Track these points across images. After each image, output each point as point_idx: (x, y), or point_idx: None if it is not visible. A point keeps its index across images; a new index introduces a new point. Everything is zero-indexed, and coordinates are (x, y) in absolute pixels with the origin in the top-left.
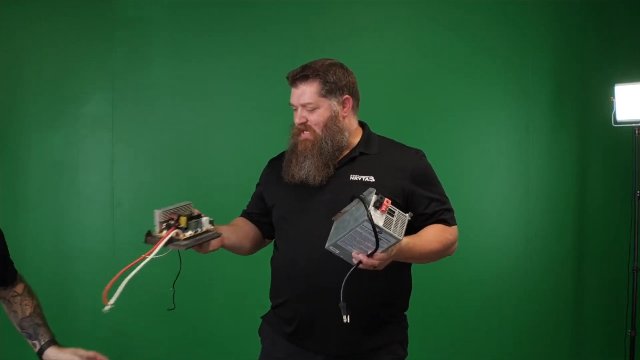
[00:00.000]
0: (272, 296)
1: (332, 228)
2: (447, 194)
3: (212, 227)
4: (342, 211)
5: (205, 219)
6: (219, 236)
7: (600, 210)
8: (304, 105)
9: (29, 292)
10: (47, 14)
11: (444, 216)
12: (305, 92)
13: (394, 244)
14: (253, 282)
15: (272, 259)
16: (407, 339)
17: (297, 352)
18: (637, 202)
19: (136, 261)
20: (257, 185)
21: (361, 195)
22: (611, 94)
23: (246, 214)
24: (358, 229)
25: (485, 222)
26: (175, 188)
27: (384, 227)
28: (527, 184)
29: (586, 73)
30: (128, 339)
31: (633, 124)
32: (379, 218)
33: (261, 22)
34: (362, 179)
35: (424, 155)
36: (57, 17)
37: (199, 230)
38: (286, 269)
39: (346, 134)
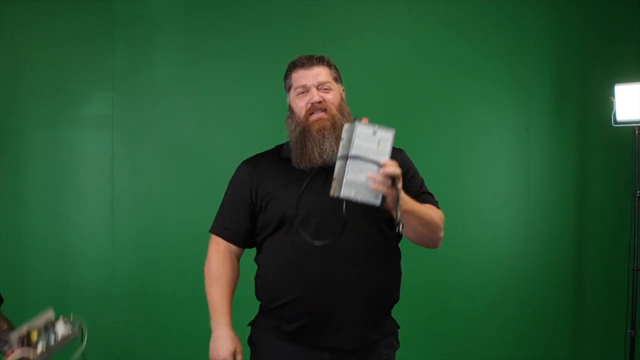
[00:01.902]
0: (269, 298)
1: (334, 185)
2: (447, 194)
3: (68, 328)
4: (334, 177)
5: (59, 326)
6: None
7: (600, 210)
8: (321, 84)
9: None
10: (47, 14)
11: (432, 201)
12: (322, 73)
13: (392, 138)
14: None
15: (261, 259)
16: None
17: (299, 352)
18: (637, 202)
19: None
20: (233, 190)
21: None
22: (611, 94)
23: (230, 233)
24: (356, 141)
25: (485, 222)
26: (175, 188)
27: (375, 125)
28: (527, 184)
29: (586, 73)
30: (128, 339)
31: (633, 124)
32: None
33: (261, 22)
34: None
35: (403, 150)
36: (57, 17)
37: (53, 340)
38: (296, 265)
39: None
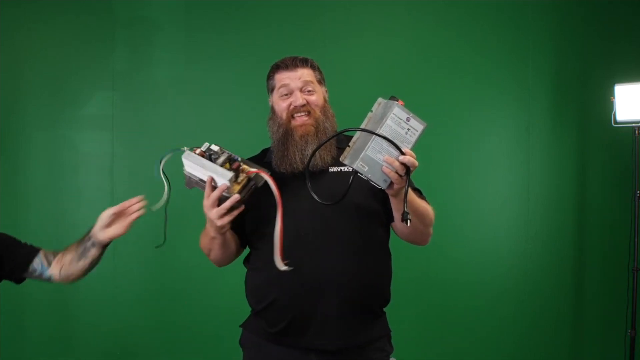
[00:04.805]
0: (255, 300)
1: (349, 152)
2: (447, 194)
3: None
4: (350, 143)
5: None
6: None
7: (600, 210)
8: (305, 85)
9: (56, 253)
10: (47, 14)
11: (423, 198)
12: (306, 74)
13: (421, 132)
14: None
15: (249, 261)
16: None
17: (286, 354)
18: (637, 202)
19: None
20: None
21: (380, 99)
22: (611, 94)
23: None
24: (388, 121)
25: (485, 222)
26: (175, 188)
27: (411, 112)
28: (527, 184)
29: (586, 73)
30: (128, 339)
31: (633, 124)
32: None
33: (261, 22)
34: (341, 169)
35: None
36: (57, 17)
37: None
38: (274, 267)
39: (335, 120)
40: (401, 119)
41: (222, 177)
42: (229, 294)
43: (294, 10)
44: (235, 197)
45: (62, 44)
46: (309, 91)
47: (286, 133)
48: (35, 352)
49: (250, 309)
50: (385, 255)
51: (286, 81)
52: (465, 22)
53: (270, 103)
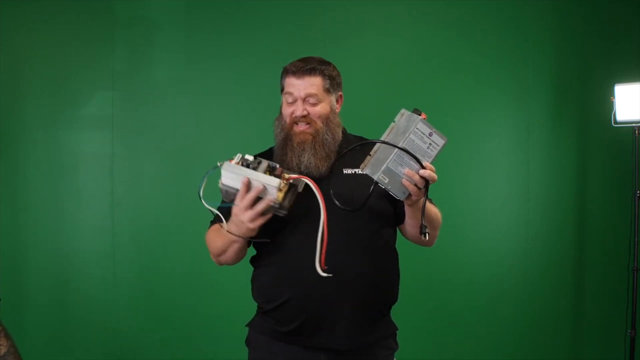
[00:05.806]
0: (264, 300)
1: (369, 161)
2: (447, 194)
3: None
4: (371, 152)
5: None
6: None
7: (600, 210)
8: (308, 96)
9: (5, 334)
10: (47, 14)
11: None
12: (312, 84)
13: (442, 147)
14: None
15: (257, 260)
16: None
17: (295, 353)
18: (637, 202)
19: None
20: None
21: (403, 111)
22: (611, 94)
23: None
24: (412, 135)
25: (485, 222)
26: (175, 188)
27: (433, 127)
28: (527, 184)
29: (586, 73)
30: (128, 339)
31: (633, 124)
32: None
33: (261, 22)
34: (355, 171)
35: None
36: (57, 17)
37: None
38: (288, 266)
39: (340, 129)
40: (424, 134)
41: (269, 184)
42: (229, 294)
43: (294, 10)
44: (270, 198)
45: (62, 44)
46: (312, 103)
47: (286, 137)
48: (35, 352)
49: (254, 308)
50: (393, 256)
51: (291, 89)
52: (465, 22)
53: (281, 102)
